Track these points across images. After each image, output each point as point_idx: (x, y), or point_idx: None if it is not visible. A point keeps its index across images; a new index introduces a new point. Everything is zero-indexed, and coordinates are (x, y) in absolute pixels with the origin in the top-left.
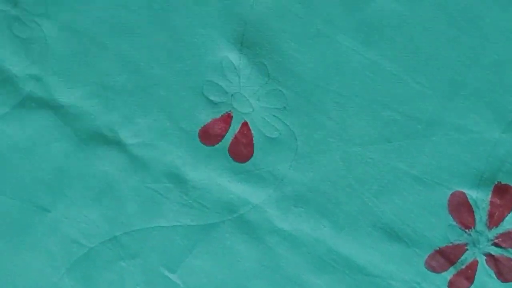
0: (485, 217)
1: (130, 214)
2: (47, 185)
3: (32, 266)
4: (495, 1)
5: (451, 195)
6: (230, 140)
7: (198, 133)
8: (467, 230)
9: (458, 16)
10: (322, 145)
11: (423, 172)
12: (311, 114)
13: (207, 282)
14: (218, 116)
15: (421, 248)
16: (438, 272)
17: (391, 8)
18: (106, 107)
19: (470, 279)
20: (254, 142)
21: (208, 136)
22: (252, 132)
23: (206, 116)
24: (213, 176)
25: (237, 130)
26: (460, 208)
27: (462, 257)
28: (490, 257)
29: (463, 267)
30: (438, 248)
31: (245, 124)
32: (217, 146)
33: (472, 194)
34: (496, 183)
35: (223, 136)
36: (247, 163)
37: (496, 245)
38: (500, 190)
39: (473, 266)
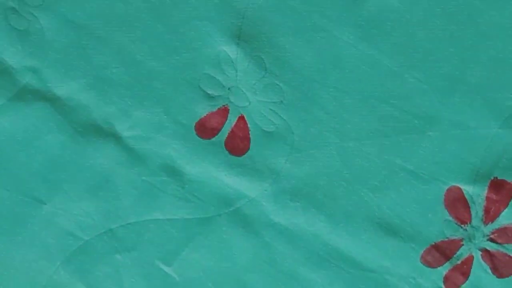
0: (481, 213)
1: (126, 207)
2: (43, 177)
3: (27, 258)
4: None
5: (447, 190)
6: (227, 134)
7: (195, 126)
8: (463, 225)
9: (456, 12)
10: (318, 140)
11: (419, 167)
12: (308, 108)
13: (203, 275)
14: (214, 109)
15: (417, 243)
16: (433, 267)
17: (389, 3)
18: (103, 100)
19: (466, 274)
20: (250, 135)
21: (205, 129)
22: (249, 125)
23: (202, 109)
24: (210, 169)
25: (233, 124)
26: (456, 203)
27: (458, 252)
28: (485, 252)
29: (459, 262)
30: (434, 243)
31: (241, 118)
32: (213, 139)
33: (468, 189)
34: (492, 178)
35: (219, 130)
36: (244, 156)
37: (491, 240)
38: (496, 185)
39: (468, 261)
